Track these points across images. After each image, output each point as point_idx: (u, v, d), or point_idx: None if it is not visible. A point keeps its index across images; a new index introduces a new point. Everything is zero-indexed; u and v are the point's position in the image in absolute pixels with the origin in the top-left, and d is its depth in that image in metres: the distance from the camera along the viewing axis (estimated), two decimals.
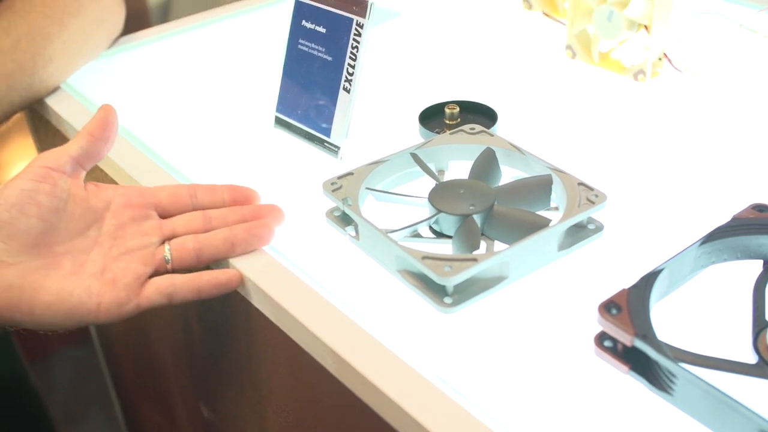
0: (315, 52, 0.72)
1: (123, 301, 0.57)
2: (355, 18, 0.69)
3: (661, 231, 0.62)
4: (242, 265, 0.60)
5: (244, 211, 0.62)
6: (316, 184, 0.66)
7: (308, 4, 0.73)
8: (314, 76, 0.72)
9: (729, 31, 0.92)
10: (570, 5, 0.86)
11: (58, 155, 0.59)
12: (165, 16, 2.29)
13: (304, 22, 0.73)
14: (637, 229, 0.62)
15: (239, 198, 0.64)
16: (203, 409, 0.84)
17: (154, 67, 0.94)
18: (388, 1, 1.06)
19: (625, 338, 0.49)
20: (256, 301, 0.60)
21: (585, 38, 0.87)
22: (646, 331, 0.48)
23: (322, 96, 0.72)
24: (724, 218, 0.58)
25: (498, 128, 0.75)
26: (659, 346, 0.47)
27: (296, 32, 0.74)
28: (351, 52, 0.69)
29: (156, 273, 0.59)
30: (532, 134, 0.75)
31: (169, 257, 0.59)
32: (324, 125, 0.72)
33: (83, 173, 0.60)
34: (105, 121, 0.61)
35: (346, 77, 0.70)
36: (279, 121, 0.77)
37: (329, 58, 0.71)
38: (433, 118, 0.77)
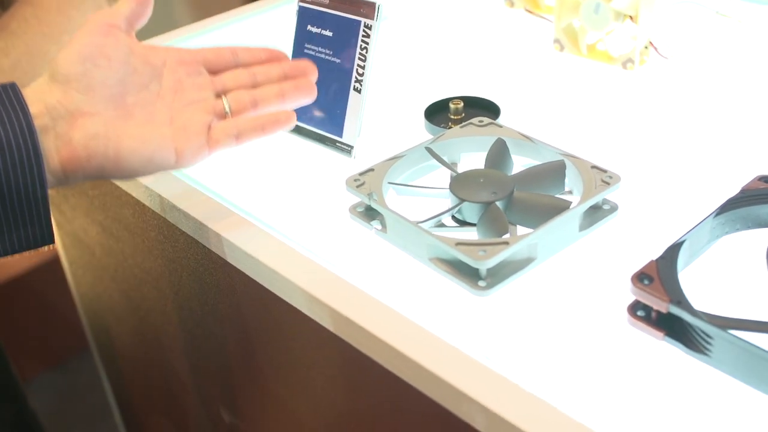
0: (323, 56, 0.74)
1: (196, 146, 0.60)
2: (363, 20, 0.71)
3: (670, 207, 0.65)
4: (274, 262, 0.62)
5: (284, 67, 0.66)
6: (331, 183, 0.68)
7: (313, 9, 0.75)
8: (323, 79, 0.74)
9: (706, 18, 0.96)
10: (556, 0, 0.89)
11: (114, 14, 0.62)
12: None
13: (309, 27, 0.75)
14: (647, 207, 0.65)
15: (274, 57, 0.67)
16: (225, 415, 0.86)
17: None
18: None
19: (661, 305, 0.51)
20: (291, 298, 0.62)
21: (572, 31, 0.90)
22: (680, 297, 0.51)
23: (332, 98, 0.74)
24: (728, 191, 0.61)
25: (501, 121, 0.78)
26: (694, 311, 0.50)
27: (301, 37, 0.76)
28: (360, 54, 0.71)
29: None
30: (533, 125, 0.78)
31: (228, 108, 0.63)
32: (336, 126, 0.74)
33: (133, 33, 0.63)
34: None
35: (356, 78, 0.72)
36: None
37: (337, 61, 0.73)
38: (437, 113, 0.80)
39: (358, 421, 0.65)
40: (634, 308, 0.54)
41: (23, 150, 0.55)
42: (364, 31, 0.71)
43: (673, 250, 0.55)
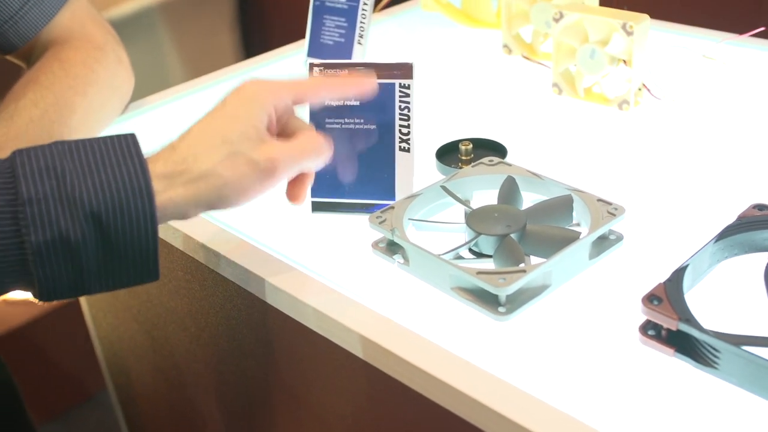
0: (351, 126, 0.75)
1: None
2: (398, 81, 0.74)
3: (671, 235, 0.70)
4: (302, 294, 0.66)
5: None
6: (351, 221, 0.72)
7: None
8: (357, 149, 0.75)
9: (694, 61, 1.02)
10: (554, 47, 0.95)
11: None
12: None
13: (327, 102, 0.75)
14: (650, 236, 0.70)
15: None
16: None
17: (164, 128, 0.99)
18: (377, 56, 1.14)
19: (671, 323, 0.56)
20: (321, 328, 0.66)
21: (569, 76, 0.96)
22: (688, 316, 0.56)
23: (374, 164, 0.75)
24: (725, 219, 0.66)
25: (508, 160, 0.82)
26: (702, 327, 0.55)
27: (319, 112, 0.75)
28: (401, 114, 0.74)
29: None
30: (538, 163, 0.83)
31: None
32: (385, 191, 0.76)
33: None
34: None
35: (400, 138, 0.74)
36: (319, 206, 0.77)
37: (372, 127, 0.75)
38: (448, 154, 0.84)
39: None
40: (645, 328, 0.58)
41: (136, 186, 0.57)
42: (401, 91, 0.74)
43: (679, 273, 0.60)
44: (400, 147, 0.75)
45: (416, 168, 0.83)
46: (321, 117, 0.76)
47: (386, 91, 0.74)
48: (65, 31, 0.95)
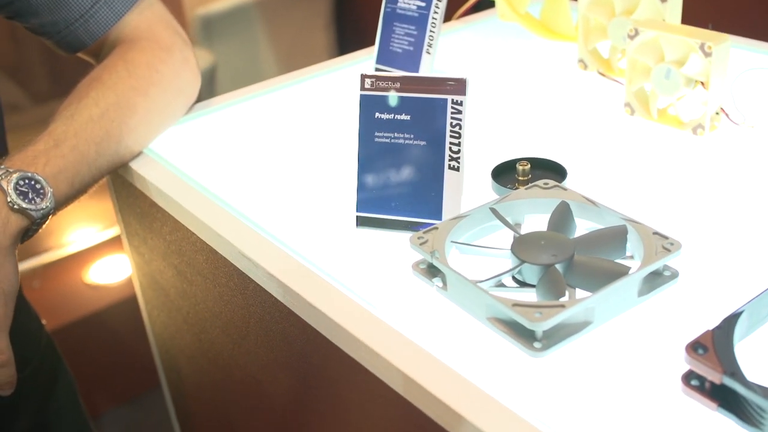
0: (401, 141, 0.73)
1: None
2: (450, 97, 0.71)
3: (732, 276, 0.65)
4: (338, 315, 0.64)
5: None
6: (396, 240, 0.70)
7: (381, 96, 0.73)
8: (405, 165, 0.73)
9: None
10: (628, 65, 0.90)
11: None
12: (210, 82, 2.38)
13: (378, 115, 0.74)
14: (709, 275, 0.65)
15: None
16: None
17: (229, 130, 0.99)
18: (450, 65, 1.11)
19: (714, 376, 0.52)
20: (350, 350, 0.64)
21: (643, 95, 0.91)
22: (734, 369, 0.51)
23: (422, 181, 0.73)
24: None
25: (567, 183, 0.79)
26: (748, 383, 0.50)
27: (369, 126, 0.74)
28: (452, 132, 0.71)
29: None
30: (599, 188, 0.79)
31: None
32: (432, 210, 0.73)
33: None
34: None
35: (450, 156, 0.71)
36: (364, 221, 0.75)
37: (422, 143, 0.72)
38: (504, 174, 0.81)
39: None
40: (688, 377, 0.54)
41: None
42: (453, 107, 0.71)
43: (731, 321, 0.55)
44: (449, 165, 0.72)
45: (470, 187, 0.81)
46: (370, 131, 0.74)
47: (437, 107, 0.72)
48: (133, 30, 0.96)
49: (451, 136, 0.72)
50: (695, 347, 0.53)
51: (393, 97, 0.72)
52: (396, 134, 0.73)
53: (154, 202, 0.90)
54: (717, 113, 0.87)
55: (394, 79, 0.73)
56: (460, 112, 0.71)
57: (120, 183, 0.99)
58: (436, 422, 0.57)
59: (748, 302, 0.57)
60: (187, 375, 1.08)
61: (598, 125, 0.92)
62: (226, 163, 0.91)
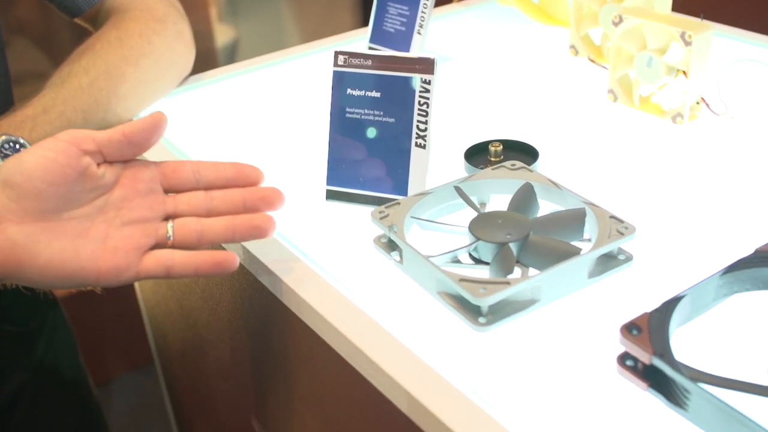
0: (370, 117, 0.74)
1: (122, 268, 0.60)
2: (420, 76, 0.72)
3: (688, 262, 0.66)
4: (296, 285, 0.65)
5: (245, 194, 0.64)
6: (365, 215, 0.71)
7: (353, 72, 0.74)
8: (374, 141, 0.74)
9: (765, 77, 0.95)
10: (612, 52, 0.91)
11: (85, 136, 0.61)
12: (231, 57, 2.40)
13: (349, 91, 0.75)
14: (664, 260, 0.66)
15: (242, 176, 0.65)
16: (255, 424, 0.89)
17: (219, 104, 1.01)
18: (442, 46, 1.12)
19: (645, 357, 0.52)
20: (308, 319, 0.65)
21: (626, 82, 0.91)
22: (664, 351, 0.52)
23: (389, 158, 0.74)
24: (747, 251, 0.62)
25: (539, 165, 0.79)
26: (675, 365, 0.51)
27: (340, 102, 0.75)
28: (420, 110, 0.72)
29: (157, 246, 0.62)
30: (571, 171, 0.79)
31: (171, 234, 0.62)
32: (398, 186, 0.74)
33: (101, 158, 0.62)
34: (147, 127, 0.63)
35: (417, 134, 0.72)
36: (333, 195, 0.77)
37: (391, 120, 0.73)
38: (478, 155, 0.82)
39: None
40: (624, 358, 0.55)
41: None
42: (422, 86, 0.72)
43: (670, 304, 0.56)
44: (416, 143, 0.73)
45: (445, 167, 0.82)
46: (342, 107, 0.75)
47: (406, 86, 0.72)
48: (128, 0, 0.97)
49: (418, 114, 0.73)
50: (630, 328, 0.54)
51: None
52: (366, 111, 0.74)
53: None
54: (697, 103, 0.87)
55: (366, 57, 0.74)
56: (428, 91, 0.72)
57: None
58: (379, 390, 0.59)
59: (691, 287, 0.58)
60: (172, 341, 1.10)
61: (580, 110, 0.93)
62: (211, 135, 0.93)
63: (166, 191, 0.65)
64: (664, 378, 0.52)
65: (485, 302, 0.59)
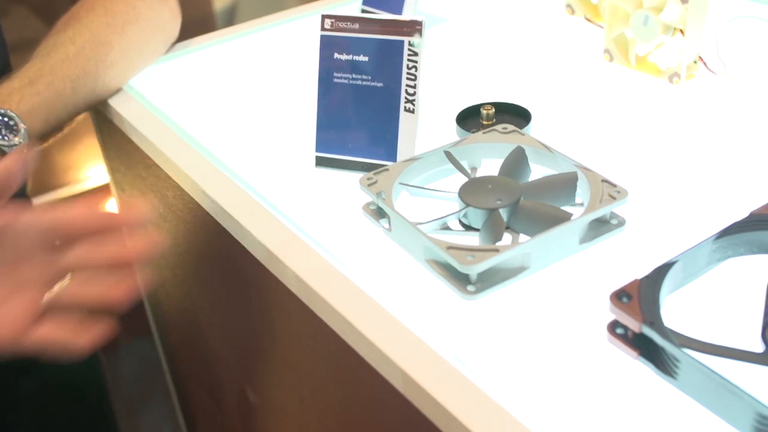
0: (358, 82, 0.73)
1: (8, 339, 0.57)
2: (407, 39, 0.70)
3: (683, 226, 0.64)
4: (285, 256, 0.64)
5: (112, 252, 0.60)
6: (354, 181, 0.70)
7: (340, 36, 0.73)
8: (363, 106, 0.73)
9: (766, 35, 0.93)
10: (608, 10, 0.88)
11: None
12: (230, 21, 2.37)
13: (337, 55, 0.73)
14: (658, 225, 0.65)
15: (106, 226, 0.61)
16: (249, 393, 0.89)
17: (205, 69, 0.99)
18: (436, 6, 1.09)
19: (634, 325, 0.51)
20: (295, 289, 0.64)
21: (623, 42, 0.89)
22: (653, 319, 0.51)
23: (378, 123, 0.72)
24: (742, 214, 0.60)
25: (532, 128, 0.78)
26: (665, 333, 0.50)
27: (328, 67, 0.74)
28: (408, 74, 0.70)
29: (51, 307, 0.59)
30: (564, 133, 0.78)
31: (58, 295, 0.59)
32: (387, 151, 0.73)
33: None
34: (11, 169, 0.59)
35: (406, 98, 0.71)
36: (322, 161, 0.75)
37: (379, 84, 0.72)
38: (469, 118, 0.80)
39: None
40: (614, 326, 0.54)
41: None
42: (409, 50, 0.70)
43: (661, 271, 0.55)
44: (404, 108, 0.71)
45: (437, 131, 0.80)
46: (330, 71, 0.73)
47: (394, 49, 0.71)
48: None
49: (407, 78, 0.71)
50: (619, 295, 0.53)
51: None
52: (354, 75, 0.73)
53: (129, 138, 0.91)
54: (695, 62, 0.85)
55: (353, 20, 0.72)
56: (416, 54, 0.70)
57: (102, 119, 1.00)
58: (370, 364, 0.58)
59: (683, 253, 0.56)
60: (168, 309, 1.10)
61: (575, 71, 0.91)
62: (201, 102, 0.91)
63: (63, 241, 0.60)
64: (654, 346, 0.52)
65: (473, 270, 0.58)
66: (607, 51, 0.91)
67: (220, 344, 0.93)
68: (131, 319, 2.03)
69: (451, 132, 0.80)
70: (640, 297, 0.53)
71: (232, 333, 0.86)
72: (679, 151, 0.75)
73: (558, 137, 0.77)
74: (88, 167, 2.15)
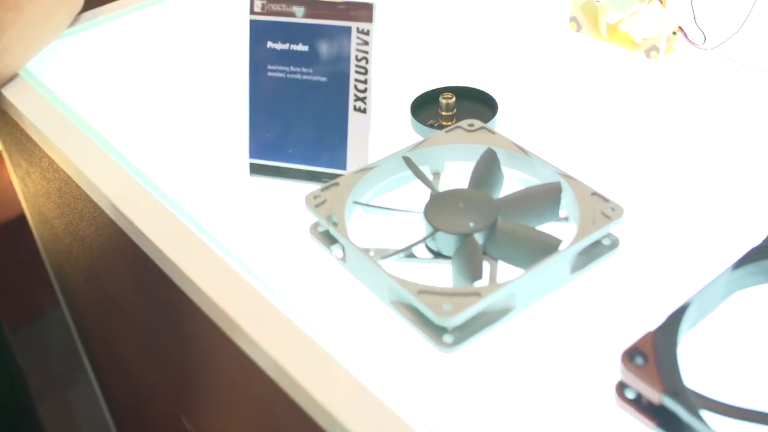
0: (297, 76, 0.61)
1: None
2: (355, 25, 0.59)
3: (678, 231, 0.56)
4: (213, 290, 0.53)
5: None
6: (298, 193, 0.59)
7: (273, 21, 0.61)
8: (303, 105, 0.62)
9: (749, 3, 0.84)
10: None
11: None
12: None
13: (270, 44, 0.62)
14: (655, 242, 0.56)
15: None
16: (183, 420, 0.79)
17: (118, 45, 0.86)
18: None
19: (653, 395, 0.42)
20: (227, 329, 0.53)
21: (591, 9, 0.79)
22: (676, 387, 0.42)
23: (323, 125, 0.62)
24: (754, 231, 0.52)
25: (498, 118, 0.68)
26: (692, 406, 0.41)
27: (260, 57, 0.62)
28: (358, 66, 0.59)
29: None
30: (535, 122, 0.68)
31: None
32: (335, 158, 0.62)
33: None
34: None
35: (356, 96, 0.60)
36: (257, 169, 0.64)
37: (322, 79, 0.61)
38: (426, 107, 0.70)
39: None
40: (623, 387, 0.45)
41: None
42: (358, 38, 0.59)
43: (675, 318, 0.46)
44: (354, 106, 0.60)
45: (388, 125, 0.69)
46: (262, 62, 0.62)
47: (340, 36, 0.59)
48: None
49: (356, 72, 0.60)
50: (632, 355, 0.44)
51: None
52: (292, 68, 0.61)
53: (29, 135, 0.78)
54: (674, 33, 0.76)
55: (289, 1, 0.60)
56: (367, 43, 0.59)
57: None
58: (313, 418, 0.48)
59: (698, 292, 0.47)
60: (84, 299, 0.97)
61: (539, 45, 0.80)
62: (108, 87, 0.79)
63: None
64: (676, 417, 0.43)
65: (452, 322, 0.48)
66: (573, 19, 0.80)
67: (152, 370, 0.82)
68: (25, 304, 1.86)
69: (405, 124, 0.69)
70: (657, 357, 0.44)
71: (161, 359, 0.76)
72: (667, 143, 0.65)
73: (527, 126, 0.67)
74: None
